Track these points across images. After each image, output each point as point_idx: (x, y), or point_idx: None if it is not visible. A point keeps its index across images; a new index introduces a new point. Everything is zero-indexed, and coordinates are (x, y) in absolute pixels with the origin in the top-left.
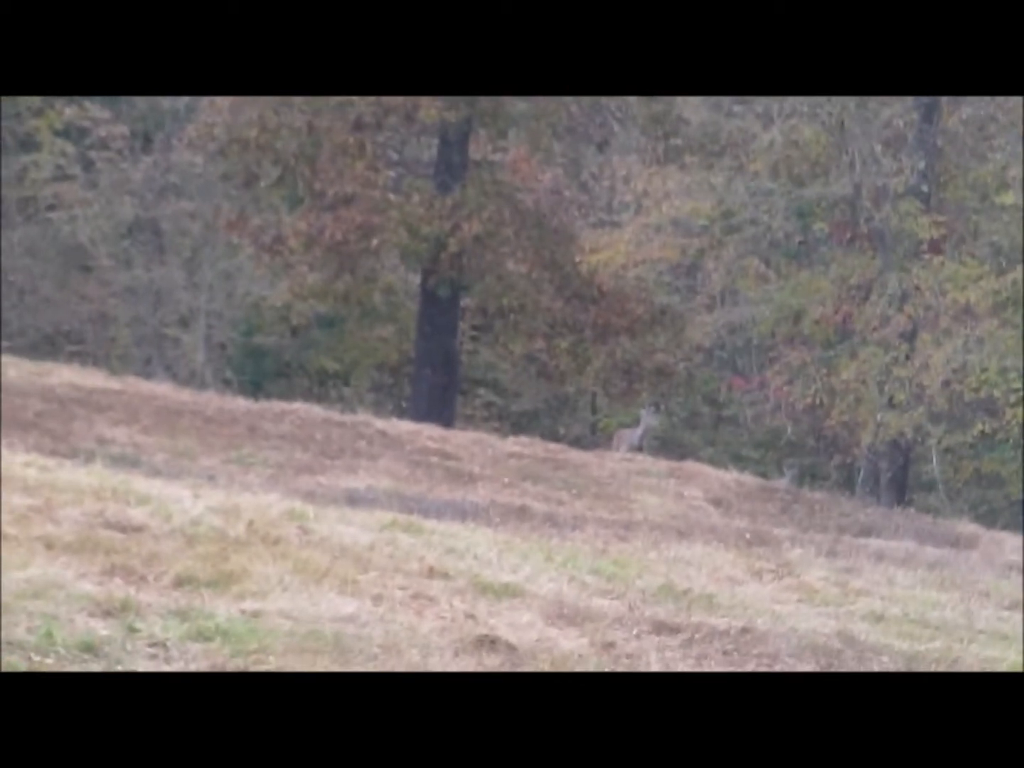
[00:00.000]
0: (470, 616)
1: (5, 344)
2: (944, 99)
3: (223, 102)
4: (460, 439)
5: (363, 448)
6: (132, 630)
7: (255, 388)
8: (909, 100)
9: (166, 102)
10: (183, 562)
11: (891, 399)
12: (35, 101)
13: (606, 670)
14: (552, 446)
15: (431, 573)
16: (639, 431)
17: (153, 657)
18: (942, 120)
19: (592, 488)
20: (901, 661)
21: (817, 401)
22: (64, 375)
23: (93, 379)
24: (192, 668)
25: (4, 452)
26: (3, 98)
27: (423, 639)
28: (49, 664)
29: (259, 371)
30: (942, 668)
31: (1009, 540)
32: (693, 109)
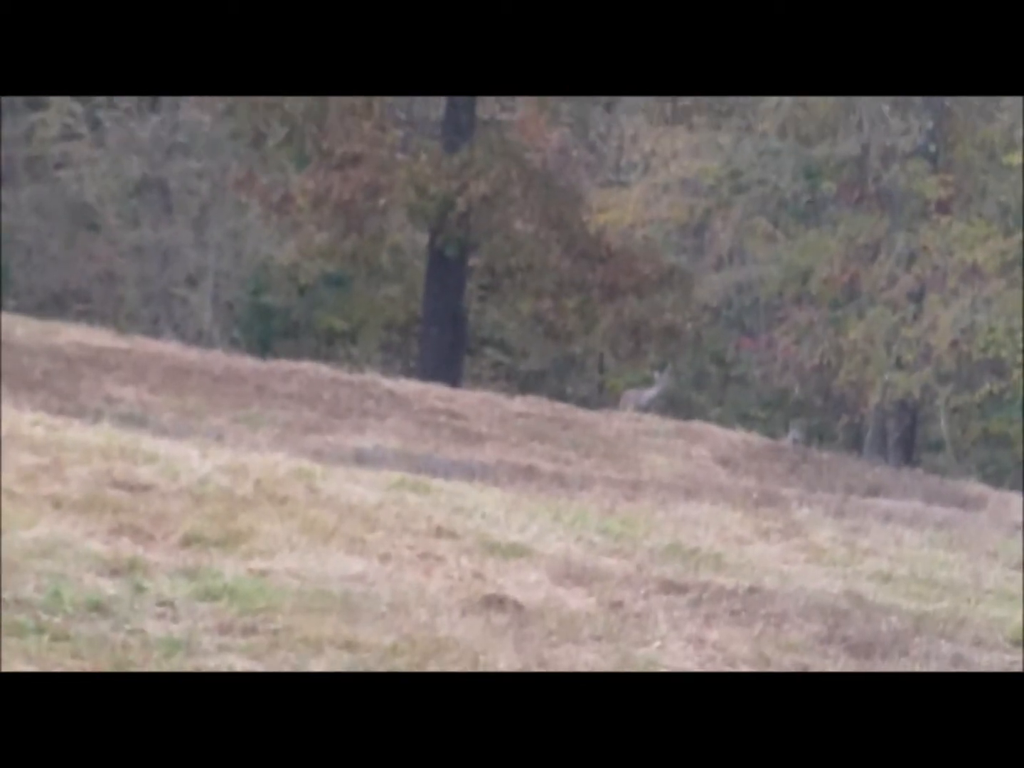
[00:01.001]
0: (478, 575)
1: (12, 303)
2: None
3: None
4: (468, 399)
5: (371, 407)
6: (140, 589)
7: (263, 347)
8: None
9: None
10: (191, 521)
11: (899, 359)
12: None
13: (614, 630)
14: (559, 406)
15: (439, 532)
16: (652, 392)
17: (161, 616)
18: None
19: (600, 448)
20: (909, 621)
21: (825, 361)
22: (71, 334)
23: (100, 338)
24: (200, 627)
25: (12, 411)
26: None
27: (431, 598)
28: (57, 623)
29: (267, 330)
30: (950, 628)
31: (1016, 500)
32: None
